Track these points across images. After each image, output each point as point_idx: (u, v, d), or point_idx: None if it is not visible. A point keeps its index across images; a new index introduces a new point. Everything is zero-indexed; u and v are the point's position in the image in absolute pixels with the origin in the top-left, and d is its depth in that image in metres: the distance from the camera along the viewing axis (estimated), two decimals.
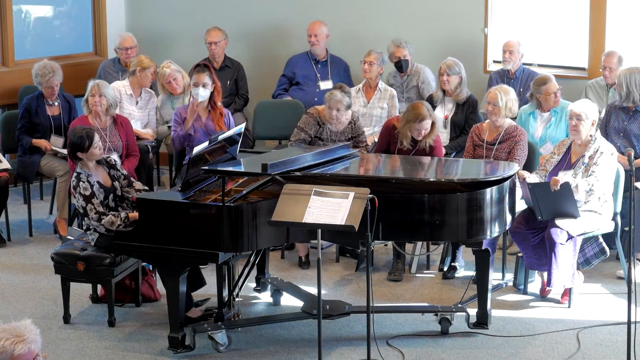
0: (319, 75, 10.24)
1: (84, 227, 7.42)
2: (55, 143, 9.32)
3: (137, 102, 9.54)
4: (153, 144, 9.46)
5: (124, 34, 10.50)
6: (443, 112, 9.08)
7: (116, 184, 7.39)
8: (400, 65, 9.84)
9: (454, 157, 8.92)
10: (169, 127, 9.28)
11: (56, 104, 9.44)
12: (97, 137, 7.32)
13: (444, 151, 8.43)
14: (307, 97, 10.19)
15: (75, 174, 7.26)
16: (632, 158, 6.33)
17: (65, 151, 9.08)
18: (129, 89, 9.54)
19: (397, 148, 8.22)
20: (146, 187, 7.68)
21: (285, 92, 10.37)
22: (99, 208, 7.18)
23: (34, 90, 9.49)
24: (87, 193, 7.19)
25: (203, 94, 8.44)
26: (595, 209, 7.69)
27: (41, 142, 9.28)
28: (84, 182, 7.21)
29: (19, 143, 9.34)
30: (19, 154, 9.41)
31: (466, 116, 9.07)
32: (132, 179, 7.53)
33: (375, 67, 9.47)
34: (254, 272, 7.91)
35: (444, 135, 9.01)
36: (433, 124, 8.08)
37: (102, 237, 7.30)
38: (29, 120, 9.32)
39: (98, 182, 7.29)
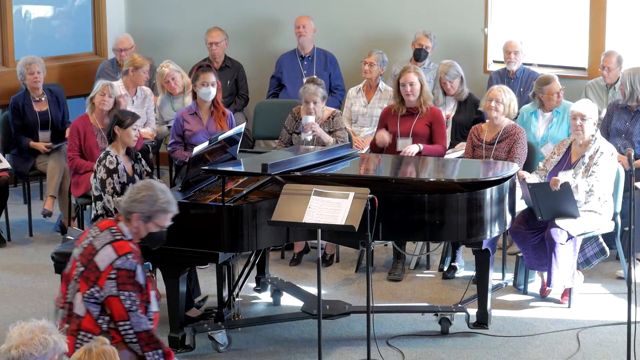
0: (304, 72, 10.23)
1: (91, 218, 7.45)
2: (43, 138, 9.37)
3: (132, 102, 9.52)
4: (153, 143, 9.45)
5: (120, 35, 10.48)
6: (445, 112, 9.05)
7: (136, 177, 7.43)
8: (419, 55, 9.83)
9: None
10: (169, 127, 9.27)
11: (43, 99, 9.46)
12: (139, 123, 7.49)
13: (445, 119, 8.59)
14: (293, 95, 10.16)
15: (104, 151, 7.39)
16: (632, 158, 6.34)
17: (55, 145, 9.19)
18: (123, 89, 9.51)
19: (399, 117, 8.39)
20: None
21: (275, 96, 10.36)
22: (117, 186, 7.25)
23: None
24: (112, 167, 7.28)
25: (213, 92, 8.51)
26: (595, 209, 7.69)
27: (39, 145, 9.31)
28: (111, 157, 7.30)
29: (18, 145, 9.38)
30: (13, 152, 9.44)
31: (474, 118, 9.00)
32: (154, 177, 7.60)
33: (376, 67, 9.47)
34: (254, 272, 7.91)
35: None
36: (422, 87, 8.32)
37: None
38: (19, 119, 9.36)
39: (123, 166, 7.36)
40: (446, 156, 8.47)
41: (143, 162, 7.58)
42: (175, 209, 5.64)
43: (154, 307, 5.48)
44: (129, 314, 5.36)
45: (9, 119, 9.47)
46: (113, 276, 5.36)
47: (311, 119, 8.36)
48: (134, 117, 7.47)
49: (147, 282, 5.46)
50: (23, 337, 4.26)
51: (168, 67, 9.64)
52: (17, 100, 9.44)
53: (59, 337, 4.35)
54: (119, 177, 7.29)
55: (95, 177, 7.35)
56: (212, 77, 8.49)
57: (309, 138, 8.36)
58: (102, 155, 7.37)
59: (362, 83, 9.63)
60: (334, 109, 8.73)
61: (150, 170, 7.61)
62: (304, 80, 10.07)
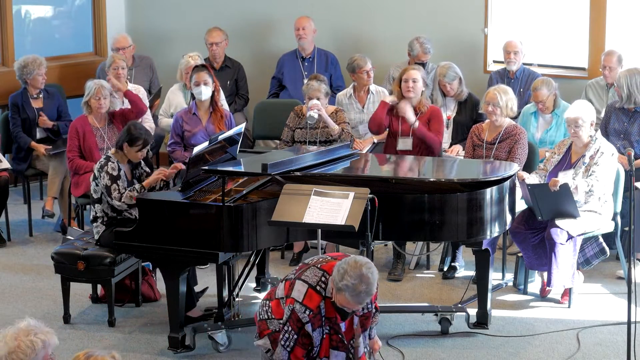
0: (305, 73, 10.23)
1: (91, 218, 7.45)
2: (42, 136, 9.45)
3: (122, 103, 9.46)
4: (151, 143, 9.38)
5: (117, 35, 10.46)
6: (445, 113, 9.04)
7: (135, 181, 7.45)
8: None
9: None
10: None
11: (40, 96, 9.52)
12: (148, 148, 7.45)
13: (444, 120, 8.64)
14: (294, 95, 10.16)
15: (105, 157, 7.39)
16: (632, 158, 6.34)
17: (56, 150, 9.18)
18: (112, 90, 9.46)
19: (400, 116, 8.44)
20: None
21: (276, 97, 10.36)
22: (122, 190, 7.27)
23: None
24: (115, 173, 7.30)
25: (206, 92, 8.48)
26: (595, 209, 7.69)
27: (39, 147, 9.32)
28: (112, 162, 7.32)
29: (16, 141, 9.42)
30: (15, 152, 9.47)
31: (474, 118, 9.00)
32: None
33: (374, 72, 9.45)
34: (254, 272, 7.91)
35: (445, 136, 8.99)
36: (424, 87, 8.46)
37: (106, 233, 7.32)
38: (18, 114, 9.42)
39: (124, 171, 7.39)
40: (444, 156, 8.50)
41: (142, 163, 7.57)
42: (359, 302, 5.23)
43: None
44: (279, 345, 5.32)
45: (9, 116, 9.50)
46: (290, 308, 5.30)
47: (316, 101, 8.58)
48: (146, 141, 7.36)
49: (322, 345, 5.36)
50: (9, 346, 4.22)
51: (195, 60, 9.54)
52: (16, 98, 9.50)
53: (46, 334, 4.29)
54: (122, 182, 7.29)
55: (94, 180, 7.33)
56: (204, 76, 8.46)
57: (315, 116, 8.54)
58: (103, 160, 7.36)
59: (350, 87, 9.55)
60: (336, 106, 8.90)
61: (149, 171, 7.60)
62: (305, 81, 10.09)
